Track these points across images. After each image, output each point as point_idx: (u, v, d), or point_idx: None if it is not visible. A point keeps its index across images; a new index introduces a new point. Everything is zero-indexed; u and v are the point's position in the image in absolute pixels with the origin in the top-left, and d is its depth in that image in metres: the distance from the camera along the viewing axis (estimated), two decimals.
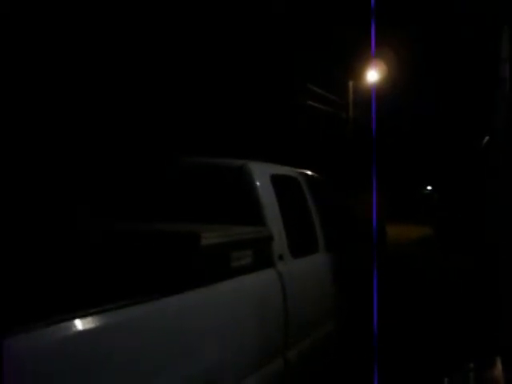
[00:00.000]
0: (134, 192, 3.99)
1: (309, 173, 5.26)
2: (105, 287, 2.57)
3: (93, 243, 2.88)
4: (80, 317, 2.13)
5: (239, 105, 8.17)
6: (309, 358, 4.14)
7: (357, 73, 12.97)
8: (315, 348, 4.28)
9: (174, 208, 3.84)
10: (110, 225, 3.23)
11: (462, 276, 9.07)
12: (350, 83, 13.66)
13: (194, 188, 3.95)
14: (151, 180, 4.09)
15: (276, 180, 4.13)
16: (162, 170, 4.15)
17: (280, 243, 3.84)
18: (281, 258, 3.80)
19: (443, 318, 7.24)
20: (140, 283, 2.68)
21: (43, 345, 1.98)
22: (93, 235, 2.97)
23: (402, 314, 6.93)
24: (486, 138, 6.89)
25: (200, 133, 7.03)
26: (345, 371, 4.76)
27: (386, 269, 5.91)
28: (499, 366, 4.11)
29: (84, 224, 3.26)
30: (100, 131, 5.49)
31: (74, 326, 2.09)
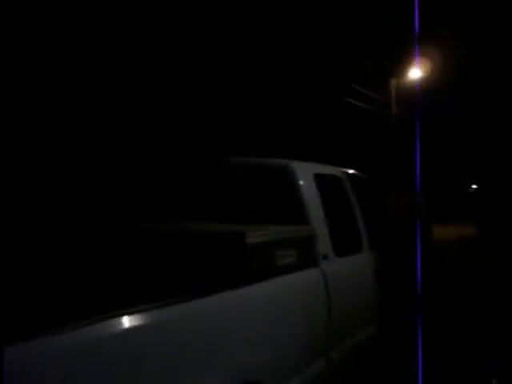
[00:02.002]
0: (179, 192, 4.05)
1: (352, 172, 5.24)
2: (152, 286, 2.62)
3: (140, 243, 2.95)
4: (115, 317, 2.10)
5: (282, 104, 8.18)
6: (352, 358, 4.13)
7: (400, 70, 12.80)
8: (358, 348, 4.27)
9: (218, 208, 3.88)
10: (157, 225, 3.30)
11: (506, 277, 8.84)
12: (393, 81, 13.50)
13: (238, 188, 3.98)
14: (197, 180, 4.15)
15: (320, 179, 4.13)
16: (207, 171, 4.20)
17: (324, 242, 3.85)
18: (325, 257, 3.80)
19: (489, 318, 7.08)
20: (186, 282, 2.72)
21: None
22: (140, 235, 3.04)
23: (446, 314, 6.82)
24: None
25: (244, 133, 7.07)
26: (388, 372, 4.72)
27: (431, 269, 5.83)
28: None
29: (133, 224, 3.33)
30: (145, 130, 5.58)
31: (120, 324, 2.09)
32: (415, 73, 12.48)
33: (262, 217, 3.66)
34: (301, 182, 3.89)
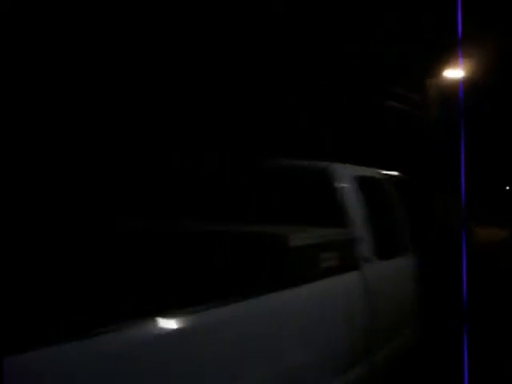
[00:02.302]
0: (219, 194, 4.07)
1: (393, 174, 5.18)
2: (194, 289, 2.63)
3: (184, 244, 2.97)
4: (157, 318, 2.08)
5: (321, 106, 8.15)
6: (392, 362, 4.08)
7: (440, 70, 12.58)
8: (398, 352, 4.21)
9: (258, 210, 3.89)
10: (198, 226, 3.31)
11: None
12: (433, 81, 13.28)
13: (278, 190, 3.98)
14: (236, 182, 4.16)
15: (360, 182, 4.09)
16: (246, 172, 4.21)
17: (365, 245, 3.81)
18: (366, 260, 3.76)
19: None
20: (229, 284, 2.73)
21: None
22: (183, 236, 3.06)
23: (491, 318, 6.66)
24: None
25: (284, 135, 7.06)
26: (428, 376, 4.64)
27: (474, 271, 5.71)
28: None
29: (173, 225, 3.36)
30: (184, 133, 5.63)
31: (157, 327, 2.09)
32: (457, 72, 12.26)
33: (302, 219, 3.65)
34: (341, 185, 3.86)
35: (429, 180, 7.28)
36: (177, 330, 2.14)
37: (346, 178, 3.95)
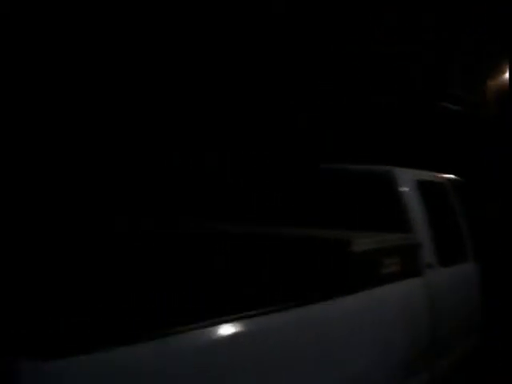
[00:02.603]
0: (282, 198, 4.08)
1: (454, 178, 5.06)
2: (257, 292, 2.63)
3: (249, 247, 2.98)
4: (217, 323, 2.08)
5: (382, 111, 8.04)
6: (456, 370, 3.99)
7: (498, 71, 12.23)
8: (462, 362, 4.11)
9: (320, 215, 3.87)
10: (262, 230, 3.32)
11: None
12: (492, 82, 12.92)
13: (338, 194, 3.95)
14: (299, 186, 4.16)
15: (422, 186, 4.02)
16: (307, 177, 4.20)
17: (428, 251, 3.74)
18: (429, 266, 3.69)
19: None
20: (292, 289, 2.72)
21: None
22: (248, 239, 3.07)
23: None
24: None
25: (344, 139, 7.01)
26: None
27: None
28: None
29: (234, 228, 3.38)
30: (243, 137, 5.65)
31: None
32: None
33: (363, 224, 3.61)
34: (403, 189, 3.80)
35: (484, 183, 7.06)
36: (242, 333, 2.15)
37: (407, 182, 3.89)
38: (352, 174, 4.07)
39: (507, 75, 13.04)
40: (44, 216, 3.71)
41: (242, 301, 2.30)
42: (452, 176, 5.09)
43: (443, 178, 4.74)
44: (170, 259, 2.94)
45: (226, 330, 2.11)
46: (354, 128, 7.55)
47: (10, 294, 2.21)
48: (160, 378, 1.76)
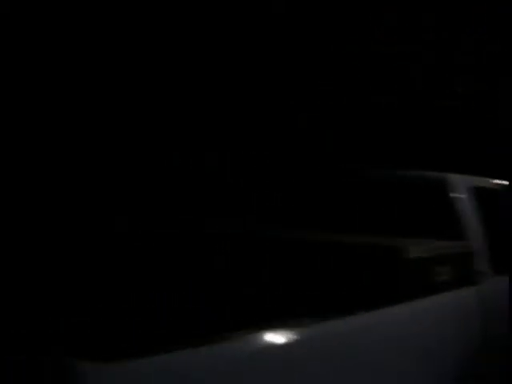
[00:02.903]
0: (330, 203, 4.04)
1: (505, 183, 4.92)
2: (313, 299, 2.62)
3: (306, 254, 2.97)
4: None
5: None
6: None
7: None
8: None
9: (370, 220, 3.82)
10: (313, 236, 3.31)
11: None
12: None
13: (390, 200, 3.90)
14: (349, 192, 4.12)
15: (476, 192, 3.93)
16: (358, 182, 4.15)
17: (482, 259, 3.65)
18: (483, 274, 3.60)
19: None
20: (346, 297, 2.70)
21: None
22: (303, 247, 3.06)
23: None
24: None
25: (395, 144, 6.91)
26: None
27: None
28: None
29: (286, 234, 3.37)
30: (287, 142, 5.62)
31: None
32: None
33: (417, 231, 3.55)
34: (458, 196, 3.73)
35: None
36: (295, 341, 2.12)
37: (462, 188, 3.81)
38: (405, 180, 4.01)
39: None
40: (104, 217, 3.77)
41: (300, 307, 2.29)
42: (504, 181, 4.95)
43: (496, 183, 4.62)
44: (232, 262, 2.95)
45: (279, 336, 2.09)
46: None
47: (69, 295, 2.25)
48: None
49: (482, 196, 4.02)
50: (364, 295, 2.71)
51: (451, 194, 3.72)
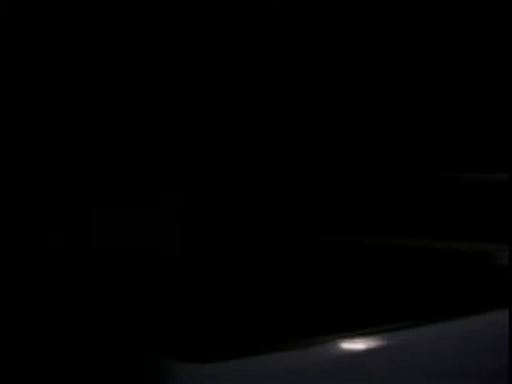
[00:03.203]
0: (416, 209, 4.01)
1: None
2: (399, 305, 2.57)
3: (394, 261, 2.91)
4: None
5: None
6: None
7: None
8: None
9: (446, 224, 3.78)
10: (392, 241, 3.26)
11: None
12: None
13: (469, 205, 3.87)
14: (415, 195, 4.08)
15: None
16: (434, 185, 4.12)
17: None
18: None
19: None
20: (440, 303, 2.65)
21: None
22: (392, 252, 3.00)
23: None
24: None
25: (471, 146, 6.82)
26: None
27: None
28: None
29: (368, 240, 3.32)
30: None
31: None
32: None
33: (487, 236, 3.50)
34: None
35: None
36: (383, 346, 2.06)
37: None
38: (474, 182, 3.97)
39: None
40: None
41: (396, 312, 2.25)
42: None
43: None
44: (313, 266, 2.89)
45: (371, 341, 2.03)
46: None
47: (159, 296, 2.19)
48: None
49: None
50: (459, 301, 2.66)
51: None
